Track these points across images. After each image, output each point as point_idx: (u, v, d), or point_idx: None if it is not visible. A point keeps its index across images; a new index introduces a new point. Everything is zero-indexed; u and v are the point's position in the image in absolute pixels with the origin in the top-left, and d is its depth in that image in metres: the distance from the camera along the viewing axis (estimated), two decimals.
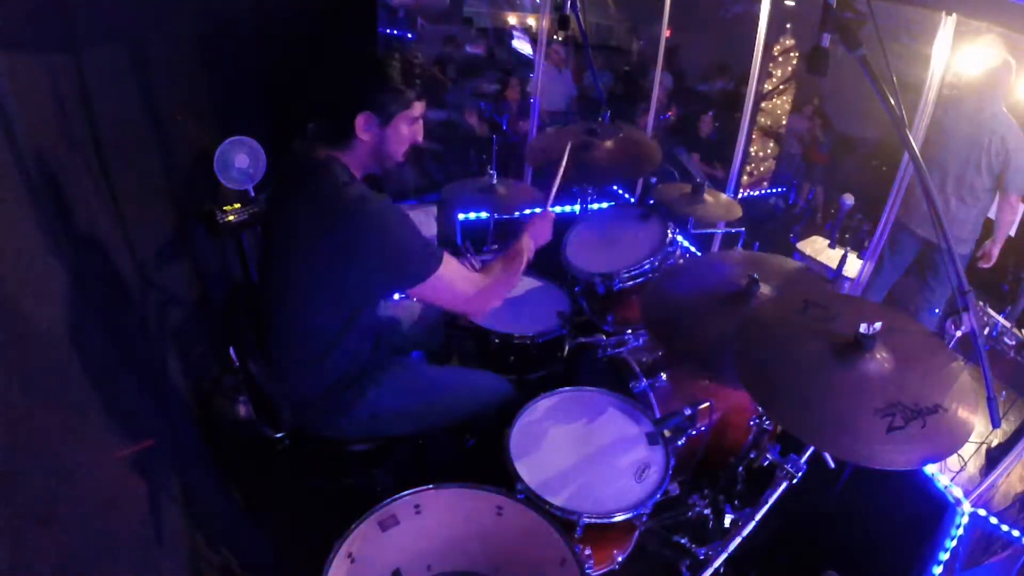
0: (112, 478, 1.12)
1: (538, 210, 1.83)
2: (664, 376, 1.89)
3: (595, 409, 1.66)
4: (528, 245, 1.68)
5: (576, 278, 2.18)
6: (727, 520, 1.68)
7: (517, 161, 3.81)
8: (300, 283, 1.41)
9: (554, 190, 1.86)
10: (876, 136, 4.84)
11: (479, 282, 1.52)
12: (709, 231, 2.95)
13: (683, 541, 1.73)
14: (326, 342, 1.44)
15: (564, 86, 5.93)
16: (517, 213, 2.79)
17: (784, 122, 6.02)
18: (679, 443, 1.68)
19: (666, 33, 3.69)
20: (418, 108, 1.43)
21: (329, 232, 1.33)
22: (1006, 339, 3.02)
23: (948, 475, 1.90)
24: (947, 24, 2.12)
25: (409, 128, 1.43)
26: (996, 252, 2.96)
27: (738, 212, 2.23)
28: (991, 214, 2.97)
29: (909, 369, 1.24)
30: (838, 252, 3.41)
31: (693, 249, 2.83)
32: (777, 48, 5.70)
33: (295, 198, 1.41)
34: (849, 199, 4.06)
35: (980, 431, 2.15)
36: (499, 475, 1.41)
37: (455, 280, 1.46)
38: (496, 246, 2.71)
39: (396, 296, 2.51)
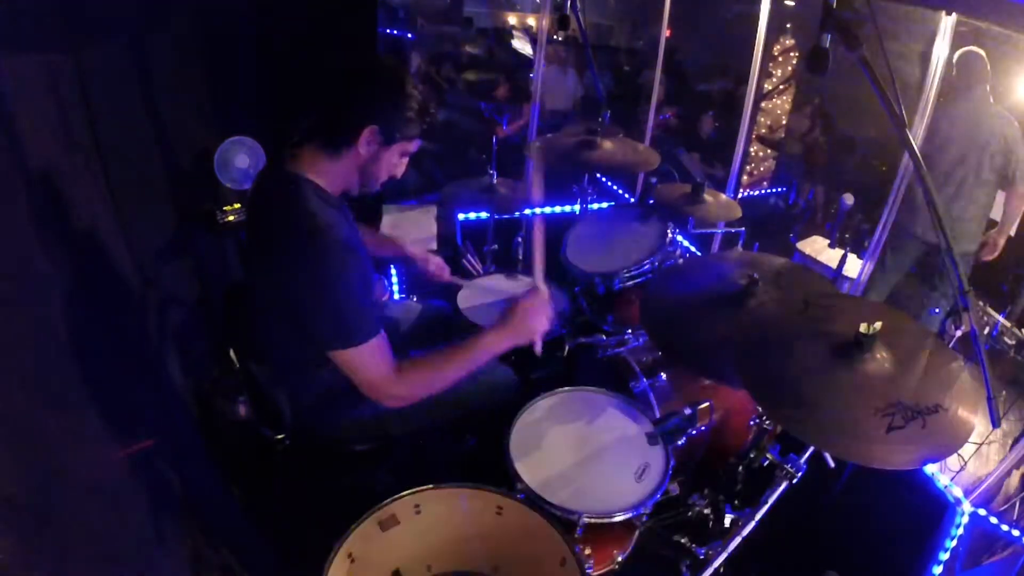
0: (112, 478, 1.12)
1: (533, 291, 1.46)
2: (664, 376, 1.89)
3: (595, 409, 1.66)
4: (494, 342, 1.42)
5: (576, 278, 2.18)
6: (727, 520, 1.68)
7: (517, 161, 3.81)
8: (274, 302, 1.38)
9: (538, 265, 1.50)
10: (876, 136, 4.84)
11: (404, 373, 1.36)
12: (709, 231, 2.95)
13: (683, 541, 1.73)
14: (314, 352, 1.42)
15: (568, 86, 5.93)
16: (517, 213, 2.79)
17: (784, 122, 6.02)
18: (679, 443, 1.68)
19: (666, 33, 3.70)
20: (415, 144, 1.40)
21: (280, 256, 1.29)
22: (1006, 339, 3.02)
23: (948, 475, 1.91)
24: (947, 24, 2.12)
25: (399, 159, 1.40)
26: (1002, 242, 2.95)
27: (738, 212, 2.23)
28: (993, 214, 2.97)
29: (909, 369, 1.24)
30: (838, 252, 3.41)
31: (693, 249, 2.84)
32: (777, 48, 5.70)
33: (264, 217, 1.38)
34: (849, 199, 4.06)
35: (980, 431, 2.15)
36: (499, 475, 1.41)
37: (376, 363, 1.33)
38: (496, 246, 2.71)
39: (396, 297, 2.51)
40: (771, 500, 1.49)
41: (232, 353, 1.60)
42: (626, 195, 4.26)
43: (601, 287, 2.05)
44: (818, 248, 3.79)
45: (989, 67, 2.70)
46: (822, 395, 1.21)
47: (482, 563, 1.40)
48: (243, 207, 2.34)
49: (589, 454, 1.53)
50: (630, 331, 2.11)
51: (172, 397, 1.76)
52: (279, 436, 1.55)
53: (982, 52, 2.67)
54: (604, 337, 2.08)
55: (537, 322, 1.44)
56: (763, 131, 6.03)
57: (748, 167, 5.88)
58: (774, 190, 5.86)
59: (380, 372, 1.34)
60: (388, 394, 1.37)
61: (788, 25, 5.62)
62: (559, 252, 2.22)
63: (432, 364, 1.41)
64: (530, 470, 1.44)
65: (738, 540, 1.56)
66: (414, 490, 1.30)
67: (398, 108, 1.31)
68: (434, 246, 3.14)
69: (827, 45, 1.13)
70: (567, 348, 2.16)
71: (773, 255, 1.82)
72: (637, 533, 1.53)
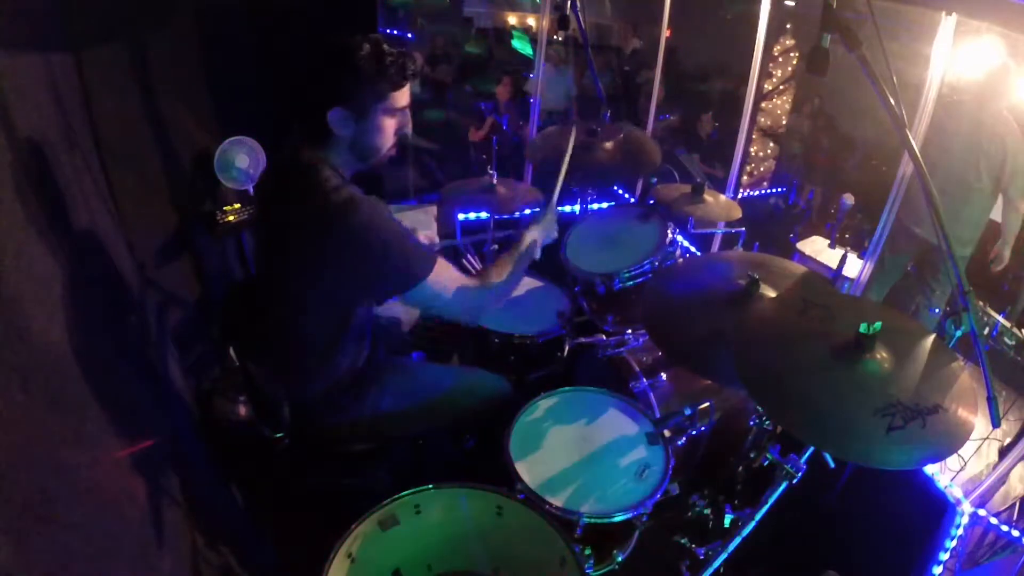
0: (112, 478, 1.12)
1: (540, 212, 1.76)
2: (664, 376, 1.89)
3: (595, 409, 1.66)
4: (531, 242, 1.62)
5: (576, 278, 2.18)
6: (727, 520, 1.68)
7: (517, 161, 3.81)
8: (292, 289, 1.39)
9: (558, 187, 1.80)
10: (876, 136, 4.84)
11: (474, 286, 1.44)
12: (709, 231, 2.95)
13: (683, 541, 1.73)
14: (324, 344, 1.43)
15: (563, 85, 5.94)
16: (517, 213, 2.79)
17: (784, 122, 6.02)
18: (679, 443, 1.68)
19: (666, 33, 3.69)
20: (398, 98, 1.33)
21: (318, 239, 1.28)
22: (1006, 339, 3.02)
23: (948, 475, 1.90)
24: (947, 24, 2.11)
25: (391, 120, 1.35)
26: (1008, 253, 2.96)
27: (738, 212, 2.23)
28: (993, 215, 2.97)
29: (909, 369, 1.24)
30: (838, 252, 3.41)
31: (693, 249, 2.83)
32: (777, 48, 5.71)
33: (283, 203, 1.37)
34: (849, 199, 4.07)
35: (980, 431, 2.15)
36: (499, 475, 1.41)
37: (448, 285, 1.39)
38: (496, 247, 2.71)
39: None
40: (771, 500, 1.49)
41: (232, 353, 1.59)
42: (626, 195, 4.25)
43: (601, 287, 2.05)
44: (818, 248, 3.78)
45: (1011, 77, 2.70)
46: (822, 395, 1.21)
47: (482, 563, 1.40)
48: (245, 207, 2.34)
49: (589, 454, 1.53)
50: (630, 331, 2.11)
51: (172, 397, 1.76)
52: (279, 436, 1.55)
53: (1012, 65, 2.66)
54: (604, 337, 2.08)
55: (553, 229, 1.72)
56: (763, 131, 6.03)
57: (748, 167, 5.88)
58: (774, 190, 5.86)
59: (461, 281, 1.42)
60: (479, 299, 1.45)
61: (788, 25, 5.62)
62: (559, 252, 2.22)
63: (503, 264, 1.53)
64: (530, 470, 1.44)
65: (738, 540, 1.56)
66: (414, 490, 1.30)
67: (349, 79, 1.26)
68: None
69: (827, 45, 1.14)
70: (567, 348, 2.16)
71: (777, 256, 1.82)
72: (637, 533, 1.53)
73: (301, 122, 1.34)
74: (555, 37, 5.02)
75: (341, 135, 1.31)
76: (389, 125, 1.35)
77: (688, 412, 1.61)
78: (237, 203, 2.32)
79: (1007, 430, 2.30)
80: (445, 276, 1.38)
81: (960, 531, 1.75)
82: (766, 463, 1.51)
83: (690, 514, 1.80)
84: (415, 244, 1.34)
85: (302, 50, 1.29)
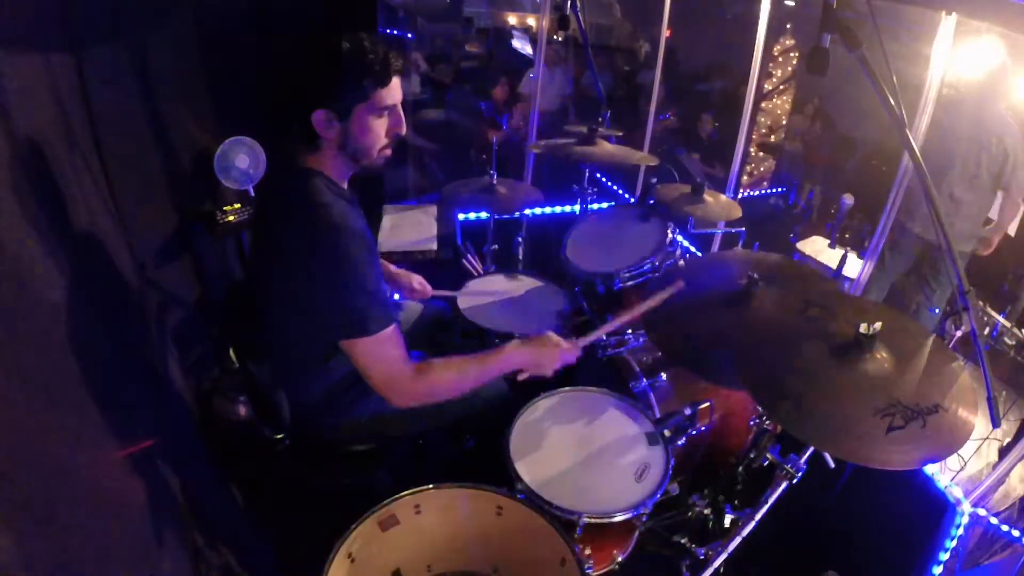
0: (112, 478, 1.12)
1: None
2: (664, 376, 1.89)
3: (595, 409, 1.66)
4: (517, 356, 1.44)
5: (576, 278, 2.18)
6: (727, 520, 1.68)
7: (517, 161, 3.81)
8: (285, 295, 1.37)
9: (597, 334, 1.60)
10: (876, 136, 4.85)
11: (418, 371, 1.33)
12: (709, 231, 2.95)
13: (683, 541, 1.73)
14: (323, 346, 1.43)
15: (557, 85, 5.93)
16: (517, 213, 2.79)
17: (784, 122, 6.02)
18: (679, 443, 1.68)
19: (666, 33, 3.70)
20: (384, 97, 1.26)
21: (302, 254, 1.27)
22: (1006, 339, 3.02)
23: (948, 475, 1.91)
24: (947, 24, 2.12)
25: (378, 121, 1.29)
26: (996, 240, 2.97)
27: (738, 212, 2.23)
28: (991, 213, 2.98)
29: (909, 369, 1.24)
30: (838, 252, 3.41)
31: (693, 249, 2.84)
32: (777, 48, 5.71)
33: (276, 210, 1.36)
34: (849, 199, 4.07)
35: (980, 431, 2.15)
36: (499, 475, 1.41)
37: (391, 356, 1.30)
38: (496, 246, 2.71)
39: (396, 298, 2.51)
40: (771, 500, 1.49)
41: (232, 353, 1.59)
42: (626, 195, 4.26)
43: (601, 287, 2.05)
44: (818, 248, 3.78)
45: (1011, 76, 2.71)
46: (822, 395, 1.21)
47: (482, 563, 1.40)
48: (245, 207, 2.35)
49: (589, 454, 1.53)
50: (630, 331, 2.11)
51: (172, 397, 1.76)
52: (279, 436, 1.55)
53: (1011, 63, 2.67)
54: (604, 337, 2.08)
55: (552, 363, 1.47)
56: (763, 131, 6.03)
57: (748, 167, 5.88)
58: (774, 190, 5.86)
59: (396, 364, 1.32)
60: (403, 390, 1.33)
61: (788, 25, 5.62)
62: (559, 252, 2.22)
63: (455, 365, 1.38)
64: (530, 470, 1.44)
65: (738, 540, 1.56)
66: (414, 490, 1.30)
67: (329, 81, 1.23)
68: (434, 246, 3.14)
69: (827, 45, 1.14)
70: None
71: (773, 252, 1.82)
72: (637, 533, 1.53)
73: (293, 125, 1.32)
74: (555, 37, 5.02)
75: (328, 138, 1.28)
76: (377, 124, 1.30)
77: (688, 412, 1.62)
78: (237, 203, 2.32)
79: (1007, 430, 2.30)
80: (392, 347, 1.30)
81: (960, 531, 1.75)
82: (766, 463, 1.51)
83: (690, 514, 1.80)
84: (380, 295, 1.29)
85: (302, 50, 1.29)
